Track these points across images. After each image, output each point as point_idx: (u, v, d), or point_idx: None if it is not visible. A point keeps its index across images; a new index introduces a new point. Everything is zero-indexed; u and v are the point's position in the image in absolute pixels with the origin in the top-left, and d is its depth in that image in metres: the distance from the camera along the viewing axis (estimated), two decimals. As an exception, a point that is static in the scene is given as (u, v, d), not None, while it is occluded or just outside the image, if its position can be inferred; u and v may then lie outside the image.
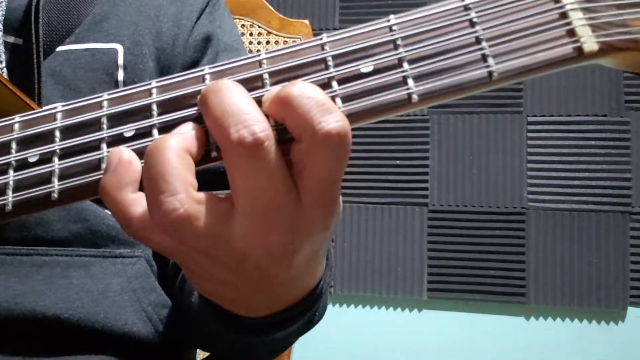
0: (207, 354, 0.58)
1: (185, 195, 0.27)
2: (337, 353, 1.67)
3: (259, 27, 1.01)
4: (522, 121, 1.65)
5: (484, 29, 0.30)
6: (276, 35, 1.02)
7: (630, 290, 1.57)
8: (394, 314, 1.71)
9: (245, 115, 0.27)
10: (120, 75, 0.53)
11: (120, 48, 0.53)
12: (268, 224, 0.28)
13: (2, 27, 0.49)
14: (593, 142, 1.60)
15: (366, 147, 1.70)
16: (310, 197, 0.28)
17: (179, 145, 0.28)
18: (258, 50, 1.01)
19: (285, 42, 1.02)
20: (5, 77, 0.48)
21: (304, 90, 0.27)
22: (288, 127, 0.28)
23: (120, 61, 0.53)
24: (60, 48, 0.51)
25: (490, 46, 0.29)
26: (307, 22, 1.01)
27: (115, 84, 0.53)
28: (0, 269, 0.46)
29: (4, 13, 0.49)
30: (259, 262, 0.30)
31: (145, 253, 0.52)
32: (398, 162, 1.69)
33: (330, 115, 0.27)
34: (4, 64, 0.48)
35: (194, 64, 0.58)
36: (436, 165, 1.68)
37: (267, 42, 1.01)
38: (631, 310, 1.57)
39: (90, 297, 0.47)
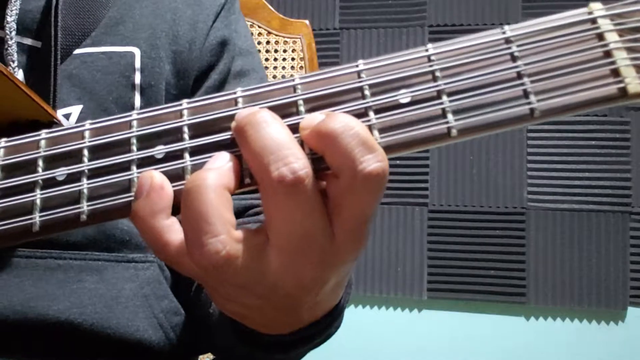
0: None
1: (227, 236, 0.27)
2: (337, 352, 1.67)
3: (259, 27, 1.01)
4: (522, 121, 1.65)
5: (525, 64, 0.29)
6: (276, 35, 1.01)
7: (630, 290, 1.57)
8: (394, 314, 1.71)
9: (286, 151, 0.27)
10: (137, 79, 0.52)
11: (137, 51, 0.53)
12: (302, 257, 0.28)
13: (15, 29, 0.48)
14: (593, 142, 1.60)
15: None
16: (344, 232, 0.28)
17: (217, 183, 0.28)
18: (258, 51, 1.01)
19: (285, 42, 1.02)
20: (21, 79, 0.48)
21: (346, 127, 0.27)
22: (327, 162, 0.28)
23: (138, 64, 0.53)
24: (77, 51, 0.51)
25: (532, 82, 0.28)
26: (307, 22, 1.01)
27: (132, 87, 0.52)
28: (15, 271, 0.46)
29: (17, 14, 0.49)
30: (289, 292, 0.30)
31: (157, 258, 0.52)
32: (398, 162, 1.69)
33: (371, 155, 0.27)
34: (15, 64, 0.47)
35: (210, 68, 0.58)
36: (436, 165, 1.68)
37: (267, 42, 1.01)
38: (631, 310, 1.58)
39: (103, 303, 0.47)
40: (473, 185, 1.66)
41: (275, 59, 1.00)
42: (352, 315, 1.72)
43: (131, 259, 0.50)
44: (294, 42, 1.01)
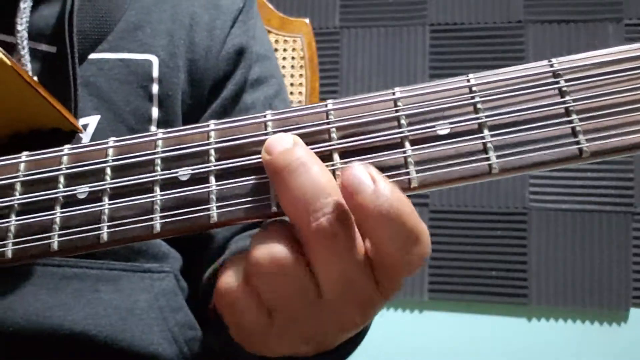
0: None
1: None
2: (338, 354, 1.67)
3: (258, 26, 1.00)
4: (524, 121, 1.64)
5: (574, 100, 0.27)
6: (276, 34, 1.01)
7: (632, 291, 1.57)
8: (395, 315, 1.70)
9: (323, 200, 0.26)
10: (155, 89, 0.51)
11: (155, 59, 0.52)
12: (347, 303, 0.28)
13: (27, 35, 0.47)
14: (595, 142, 1.60)
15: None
16: (387, 283, 0.28)
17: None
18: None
19: (285, 41, 1.01)
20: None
21: (396, 216, 0.26)
22: (368, 237, 0.27)
23: (155, 74, 0.52)
24: (92, 56, 0.50)
25: (580, 120, 0.27)
26: (307, 21, 1.00)
27: (150, 99, 0.51)
28: (30, 279, 0.45)
29: (28, 19, 0.47)
30: (330, 336, 0.30)
31: (173, 268, 0.51)
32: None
33: (417, 246, 0.26)
34: (29, 72, 0.46)
35: (226, 77, 0.56)
36: (437, 165, 1.67)
37: (271, 44, 1.01)
38: (634, 312, 1.57)
39: (118, 314, 0.47)
40: (474, 186, 1.65)
41: (276, 58, 0.99)
42: (353, 316, 1.72)
43: (147, 269, 0.49)
44: (294, 41, 1.00)
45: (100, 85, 0.49)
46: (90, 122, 0.48)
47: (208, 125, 0.30)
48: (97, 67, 0.50)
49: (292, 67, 0.99)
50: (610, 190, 1.58)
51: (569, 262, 1.60)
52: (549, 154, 0.27)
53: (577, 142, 0.27)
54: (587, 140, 0.27)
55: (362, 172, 0.26)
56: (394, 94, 0.29)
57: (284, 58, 1.00)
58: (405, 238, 0.26)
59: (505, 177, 0.27)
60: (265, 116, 0.29)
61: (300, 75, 0.99)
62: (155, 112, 0.51)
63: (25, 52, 0.46)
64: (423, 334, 1.68)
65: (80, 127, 0.40)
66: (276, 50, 1.00)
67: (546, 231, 1.61)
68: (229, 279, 0.29)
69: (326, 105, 0.29)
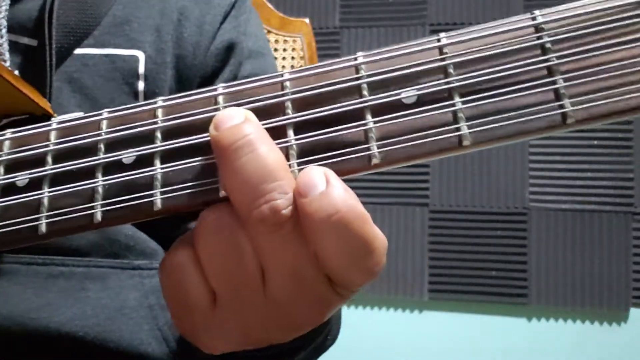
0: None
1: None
2: (338, 353, 1.66)
3: (258, 25, 1.00)
4: (524, 121, 1.64)
5: (558, 58, 0.24)
6: (276, 34, 1.00)
7: (632, 291, 1.56)
8: (394, 315, 1.70)
9: (269, 185, 0.24)
10: (141, 86, 0.50)
11: (141, 55, 0.50)
12: (295, 298, 0.26)
13: (6, 26, 0.46)
14: (595, 142, 1.59)
15: (367, 146, 1.69)
16: (343, 288, 0.27)
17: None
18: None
19: (285, 41, 1.01)
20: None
21: (345, 226, 0.24)
22: (315, 247, 0.24)
23: (141, 70, 0.50)
24: (78, 51, 0.49)
25: (565, 81, 0.23)
26: (307, 20, 1.00)
27: (135, 95, 0.50)
28: (15, 279, 0.44)
29: (7, 10, 0.47)
30: (273, 334, 0.28)
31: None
32: (399, 162, 1.68)
33: (369, 259, 0.25)
34: (7, 63, 0.46)
35: (215, 74, 0.55)
36: (437, 164, 1.67)
37: (267, 41, 1.01)
38: (633, 312, 1.57)
39: (106, 314, 0.46)
40: (474, 185, 1.65)
41: (275, 58, 0.99)
42: (353, 315, 1.71)
43: (136, 266, 0.48)
44: (294, 41, 1.00)
45: (84, 82, 0.48)
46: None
47: (155, 102, 0.28)
48: (81, 62, 0.49)
49: (292, 67, 0.99)
50: (610, 190, 1.58)
51: (569, 262, 1.59)
52: (527, 122, 0.23)
53: (561, 107, 0.23)
54: (573, 105, 0.23)
55: (316, 173, 0.24)
56: (355, 59, 0.26)
57: (284, 58, 1.00)
58: (355, 250, 0.24)
59: (478, 149, 0.24)
60: (216, 90, 0.27)
61: (300, 75, 0.98)
62: None
63: (3, 41, 0.46)
64: (423, 334, 1.67)
65: (51, 111, 0.39)
66: (276, 50, 1.00)
67: (546, 231, 1.61)
68: (175, 248, 0.27)
69: (282, 75, 0.26)
